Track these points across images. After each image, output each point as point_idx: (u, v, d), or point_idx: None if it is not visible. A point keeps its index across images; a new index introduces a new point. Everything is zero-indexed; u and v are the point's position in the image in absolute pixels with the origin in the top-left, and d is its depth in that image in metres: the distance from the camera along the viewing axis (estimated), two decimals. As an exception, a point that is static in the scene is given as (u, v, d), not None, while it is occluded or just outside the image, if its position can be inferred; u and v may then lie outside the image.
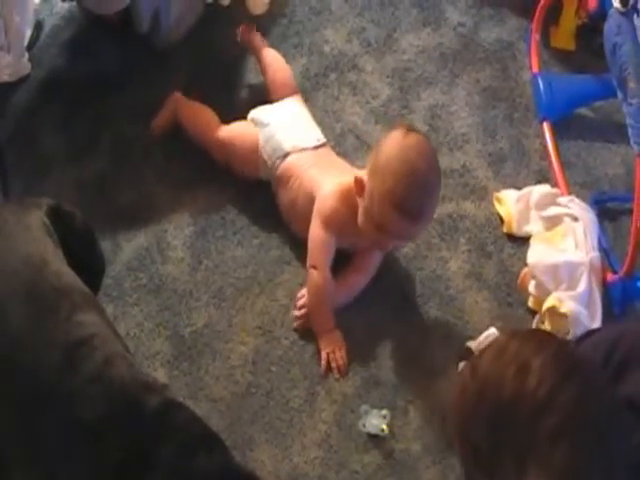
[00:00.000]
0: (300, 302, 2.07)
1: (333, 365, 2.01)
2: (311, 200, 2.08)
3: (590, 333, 1.72)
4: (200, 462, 1.44)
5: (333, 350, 2.02)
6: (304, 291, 2.08)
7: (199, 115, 2.32)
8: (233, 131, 2.26)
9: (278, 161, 2.16)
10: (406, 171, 1.90)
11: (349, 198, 2.02)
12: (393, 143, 1.94)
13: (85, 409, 1.39)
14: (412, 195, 1.90)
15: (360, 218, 1.99)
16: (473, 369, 1.35)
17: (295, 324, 2.07)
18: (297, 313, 2.07)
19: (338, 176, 2.09)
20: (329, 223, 2.04)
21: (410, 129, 1.98)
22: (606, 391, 1.33)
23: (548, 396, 1.24)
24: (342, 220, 2.04)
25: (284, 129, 2.21)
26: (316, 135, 2.22)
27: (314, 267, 2.04)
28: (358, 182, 1.98)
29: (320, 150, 2.20)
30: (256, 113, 2.27)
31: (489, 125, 2.40)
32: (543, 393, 1.25)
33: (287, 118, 2.25)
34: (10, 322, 1.42)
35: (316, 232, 2.05)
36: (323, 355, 2.02)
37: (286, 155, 2.16)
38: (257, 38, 2.44)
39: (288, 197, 2.15)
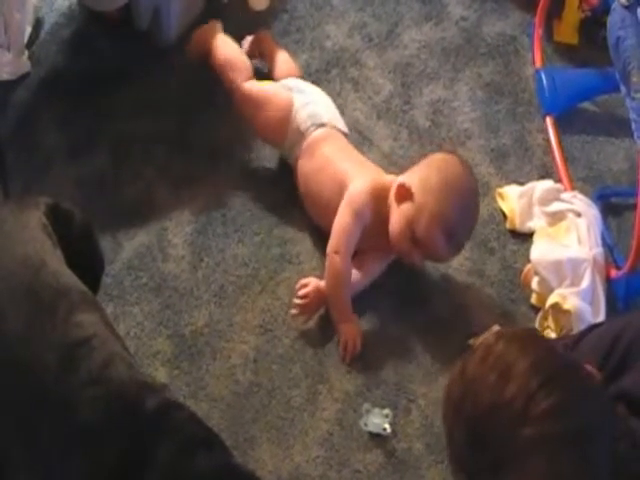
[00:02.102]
0: (302, 291, 2.04)
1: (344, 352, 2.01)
2: (340, 187, 2.08)
3: (593, 327, 1.71)
4: (199, 462, 1.43)
5: (353, 339, 2.01)
6: (307, 280, 2.06)
7: (234, 60, 2.31)
8: (267, 89, 2.24)
9: (312, 128, 2.16)
10: (462, 205, 1.99)
11: (380, 198, 2.04)
12: (452, 169, 2.01)
13: (84, 410, 1.38)
14: (461, 227, 2.01)
15: (396, 225, 2.00)
16: (460, 370, 1.34)
17: (294, 311, 2.04)
18: (298, 301, 2.04)
19: (371, 173, 2.11)
20: (360, 215, 2.04)
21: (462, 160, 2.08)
22: (590, 398, 1.31)
23: (524, 406, 1.23)
24: (370, 217, 2.05)
25: (321, 102, 2.24)
26: (345, 125, 2.24)
27: (336, 252, 2.03)
28: (403, 189, 2.00)
29: (348, 141, 2.22)
30: (290, 81, 2.28)
31: (492, 120, 2.39)
32: (520, 403, 1.23)
33: (322, 96, 2.27)
34: (8, 323, 1.41)
35: (345, 220, 2.04)
36: (342, 344, 2.01)
37: (322, 125, 2.16)
38: (271, 43, 2.45)
39: (310, 167, 2.15)
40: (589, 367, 1.37)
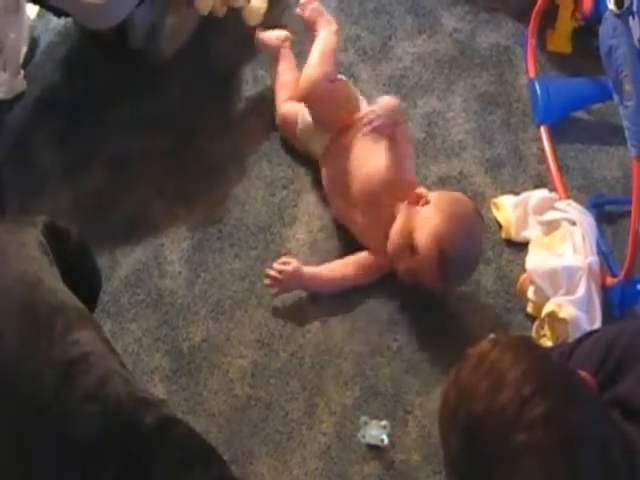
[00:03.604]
0: (280, 266, 2.08)
1: None
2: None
3: (589, 334, 1.71)
4: (197, 477, 1.44)
5: None
6: (290, 259, 2.09)
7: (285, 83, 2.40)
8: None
9: None
10: (466, 240, 2.02)
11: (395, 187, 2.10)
12: (469, 209, 2.05)
13: (82, 427, 1.39)
14: (459, 260, 2.00)
15: (400, 224, 2.04)
16: (455, 377, 1.35)
17: (266, 281, 2.08)
18: (272, 272, 2.08)
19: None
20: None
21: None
22: (583, 405, 1.31)
23: (517, 413, 1.23)
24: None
25: None
26: None
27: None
28: (421, 196, 2.05)
29: None
30: None
31: (486, 131, 2.39)
32: (513, 410, 1.24)
33: None
34: (5, 340, 1.42)
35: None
36: None
37: None
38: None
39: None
40: (583, 373, 1.37)
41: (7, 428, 1.40)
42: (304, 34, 2.51)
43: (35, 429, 1.38)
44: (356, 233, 2.16)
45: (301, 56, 2.47)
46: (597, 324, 2.02)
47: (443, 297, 2.12)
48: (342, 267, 2.12)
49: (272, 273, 2.07)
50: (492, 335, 1.93)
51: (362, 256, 2.13)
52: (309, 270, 2.10)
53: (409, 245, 2.01)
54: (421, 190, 2.07)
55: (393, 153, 2.10)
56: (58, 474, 1.39)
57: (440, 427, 1.36)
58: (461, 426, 1.29)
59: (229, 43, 2.54)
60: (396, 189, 2.09)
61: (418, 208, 2.04)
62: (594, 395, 1.36)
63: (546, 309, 2.02)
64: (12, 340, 1.42)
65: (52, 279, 1.53)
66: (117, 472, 1.39)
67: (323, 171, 2.22)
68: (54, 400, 1.39)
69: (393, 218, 2.06)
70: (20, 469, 1.40)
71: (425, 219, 2.01)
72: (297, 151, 2.33)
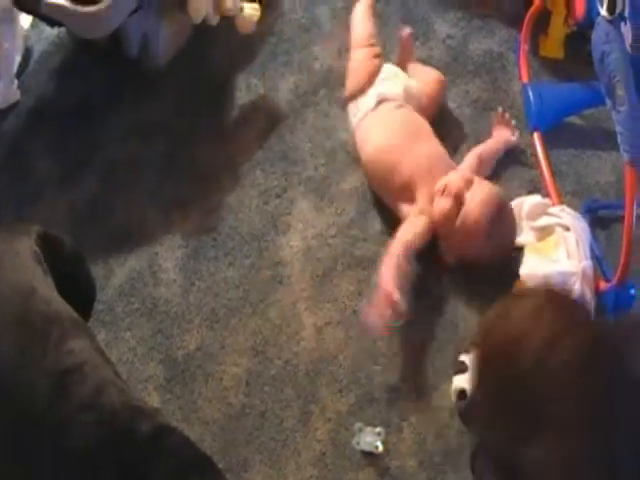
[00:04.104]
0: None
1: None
2: None
3: None
4: (193, 486, 1.44)
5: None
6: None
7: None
8: None
9: None
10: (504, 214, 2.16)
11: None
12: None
13: (77, 437, 1.39)
14: (503, 226, 2.14)
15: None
16: (504, 318, 1.30)
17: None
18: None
19: None
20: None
21: None
22: (631, 390, 1.29)
23: (568, 380, 1.21)
24: None
25: None
26: None
27: None
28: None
29: None
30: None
31: (480, 137, 2.39)
32: (564, 375, 1.21)
33: None
34: (0, 350, 1.42)
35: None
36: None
37: None
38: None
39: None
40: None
41: (2, 439, 1.40)
42: (297, 40, 2.53)
43: (30, 440, 1.38)
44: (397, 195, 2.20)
45: (290, 65, 2.49)
46: (591, 329, 2.02)
47: (438, 298, 2.12)
48: (403, 245, 2.07)
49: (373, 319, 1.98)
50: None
51: (415, 221, 2.14)
52: (387, 279, 2.00)
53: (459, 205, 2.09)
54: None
55: None
56: (54, 483, 1.40)
57: (478, 368, 1.32)
58: (505, 374, 1.26)
59: (222, 52, 2.55)
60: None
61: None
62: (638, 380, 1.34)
63: (540, 314, 2.02)
64: (6, 350, 1.42)
65: (46, 288, 1.53)
66: (113, 481, 1.40)
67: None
68: (48, 409, 1.39)
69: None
70: (19, 472, 1.40)
71: (484, 182, 2.16)
72: (290, 159, 2.34)
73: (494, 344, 1.29)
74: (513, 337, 1.27)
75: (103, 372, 1.48)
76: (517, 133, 2.37)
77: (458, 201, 2.10)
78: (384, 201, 2.25)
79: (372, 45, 2.43)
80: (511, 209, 2.17)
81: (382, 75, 2.37)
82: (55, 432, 1.39)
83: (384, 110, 2.29)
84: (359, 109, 2.32)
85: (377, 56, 2.41)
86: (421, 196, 2.16)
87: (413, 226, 2.12)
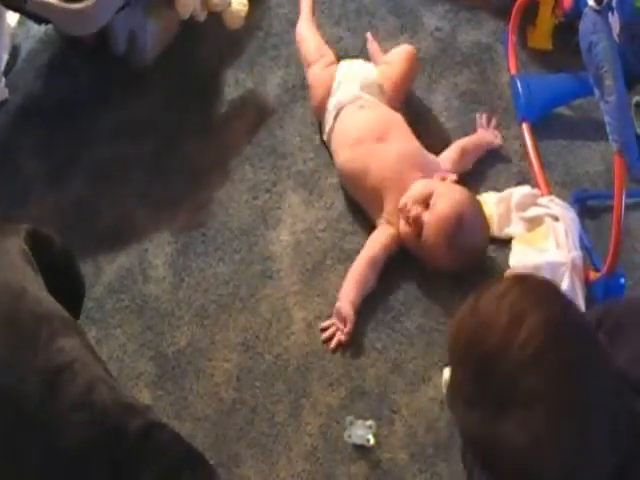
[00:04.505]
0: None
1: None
2: None
3: None
4: (185, 482, 1.44)
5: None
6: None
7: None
8: None
9: None
10: (471, 218, 2.11)
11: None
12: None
13: (68, 435, 1.39)
14: (466, 233, 2.08)
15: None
16: (473, 306, 1.32)
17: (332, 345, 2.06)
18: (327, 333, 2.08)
19: None
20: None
21: None
22: (599, 366, 1.29)
23: (532, 356, 1.22)
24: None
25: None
26: None
27: None
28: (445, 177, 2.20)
29: None
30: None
31: (468, 129, 2.39)
32: (527, 352, 1.22)
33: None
34: (-10, 349, 1.42)
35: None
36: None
37: None
38: None
39: None
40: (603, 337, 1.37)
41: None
42: (285, 35, 2.52)
43: (22, 438, 1.39)
44: (369, 201, 2.21)
45: (279, 59, 2.49)
46: (581, 319, 2.02)
47: (427, 296, 2.12)
48: (367, 261, 2.11)
49: (328, 332, 2.06)
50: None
51: (381, 233, 2.15)
52: (347, 294, 2.08)
53: (425, 207, 2.07)
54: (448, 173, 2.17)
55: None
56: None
57: (452, 353, 1.33)
58: (475, 355, 1.27)
59: (210, 47, 2.55)
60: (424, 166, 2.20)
61: (440, 182, 2.15)
62: (609, 359, 1.34)
63: (530, 305, 2.02)
64: (-3, 349, 1.42)
65: (36, 288, 1.54)
66: (104, 479, 1.39)
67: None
68: (39, 408, 1.39)
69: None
70: (11, 471, 1.39)
71: (448, 188, 2.12)
72: (279, 153, 2.34)
73: (465, 327, 1.30)
74: (482, 318, 1.29)
75: (93, 370, 1.48)
76: (500, 136, 2.37)
77: (417, 223, 2.07)
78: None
79: (322, 56, 2.41)
80: (476, 211, 2.13)
81: (338, 79, 2.35)
82: (46, 430, 1.39)
83: (345, 118, 2.28)
84: (326, 122, 2.31)
85: (330, 64, 2.40)
86: (389, 203, 2.15)
87: (378, 240, 2.13)
